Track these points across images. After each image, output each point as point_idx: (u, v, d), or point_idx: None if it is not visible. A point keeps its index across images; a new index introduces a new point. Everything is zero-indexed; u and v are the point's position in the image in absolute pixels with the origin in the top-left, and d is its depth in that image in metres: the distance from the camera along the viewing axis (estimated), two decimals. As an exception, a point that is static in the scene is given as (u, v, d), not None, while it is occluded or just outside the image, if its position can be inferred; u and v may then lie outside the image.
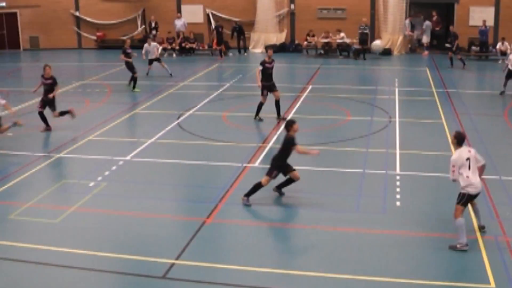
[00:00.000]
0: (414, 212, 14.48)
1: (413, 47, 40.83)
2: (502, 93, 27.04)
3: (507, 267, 11.84)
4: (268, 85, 22.22)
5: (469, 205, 13.19)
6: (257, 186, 14.91)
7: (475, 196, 12.96)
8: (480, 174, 13.10)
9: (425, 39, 39.85)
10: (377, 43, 20.98)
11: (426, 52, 39.47)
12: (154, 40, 34.72)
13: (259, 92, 22.35)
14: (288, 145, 14.90)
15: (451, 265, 12.01)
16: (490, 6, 39.82)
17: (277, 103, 22.44)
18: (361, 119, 22.57)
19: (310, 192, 15.75)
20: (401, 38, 39.65)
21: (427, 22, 39.84)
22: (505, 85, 27.00)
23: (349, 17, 40.02)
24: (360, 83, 30.52)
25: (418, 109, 24.41)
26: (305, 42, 39.14)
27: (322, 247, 12.69)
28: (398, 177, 16.56)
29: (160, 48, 38.26)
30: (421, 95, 27.03)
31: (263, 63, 22.15)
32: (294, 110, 23.72)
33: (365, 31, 37.53)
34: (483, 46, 38.50)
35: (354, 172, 17.00)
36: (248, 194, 14.92)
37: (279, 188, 15.40)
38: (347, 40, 38.14)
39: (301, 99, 25.70)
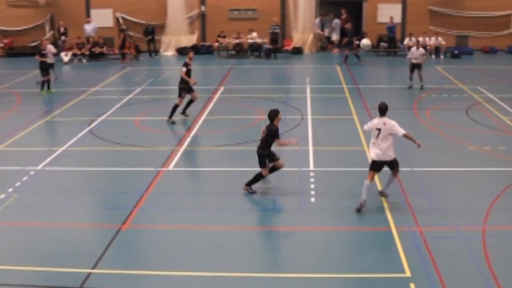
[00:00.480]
0: (329, 208, 14.64)
1: (324, 45, 41.33)
2: (410, 87, 27.71)
3: (421, 255, 12.12)
4: (187, 87, 22.14)
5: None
6: (258, 176, 15.49)
7: (380, 163, 14.50)
8: (411, 140, 14.89)
9: (335, 37, 40.42)
10: (367, 43, 21.89)
11: (336, 50, 40.02)
12: (58, 44, 34.20)
13: (171, 95, 22.21)
14: (272, 136, 15.40)
15: (368, 257, 12.19)
16: (397, 3, 40.74)
17: (190, 103, 22.50)
18: (275, 118, 22.64)
19: (227, 193, 15.73)
20: (311, 37, 40.09)
21: (336, 20, 40.43)
22: (410, 78, 27.74)
23: (260, 17, 40.22)
24: (272, 82, 30.72)
25: (330, 106, 24.72)
26: (216, 44, 39.13)
27: (242, 248, 12.67)
28: (312, 174, 16.73)
29: (70, 54, 37.73)
30: (333, 92, 27.38)
31: (186, 65, 22.06)
32: (207, 111, 23.67)
33: (276, 31, 37.79)
34: (391, 42, 39.32)
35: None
36: (249, 183, 15.47)
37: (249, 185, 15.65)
38: (258, 40, 38.30)
39: (214, 100, 25.68)
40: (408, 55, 28.65)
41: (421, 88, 27.89)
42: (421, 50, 27.97)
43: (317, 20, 40.38)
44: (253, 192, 15.46)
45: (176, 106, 22.13)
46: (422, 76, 28.08)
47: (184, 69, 22.19)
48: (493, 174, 17.04)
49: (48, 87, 28.16)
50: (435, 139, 20.24)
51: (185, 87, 22.16)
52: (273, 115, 15.59)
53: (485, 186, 16.10)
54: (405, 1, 40.76)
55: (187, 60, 22.49)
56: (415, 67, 28.05)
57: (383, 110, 14.85)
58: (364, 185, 14.27)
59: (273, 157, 15.59)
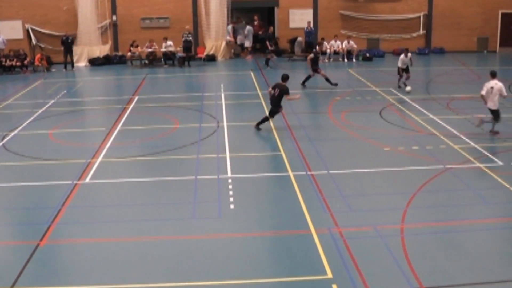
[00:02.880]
0: (249, 213, 14.62)
1: (237, 52, 41.41)
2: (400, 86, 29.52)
3: (342, 256, 12.21)
4: None
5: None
6: (265, 119, 21.85)
7: (492, 110, 20.79)
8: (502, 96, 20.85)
9: (248, 43, 40.54)
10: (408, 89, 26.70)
11: (249, 56, 40.16)
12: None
13: (85, 107, 21.79)
14: (284, 93, 21.42)
15: (289, 261, 12.18)
16: (308, 8, 41.17)
17: None
18: (190, 126, 22.54)
19: (146, 204, 15.53)
20: (224, 43, 40.11)
21: (249, 27, 40.55)
22: (399, 80, 29.66)
23: (173, 25, 40.03)
24: (186, 91, 30.55)
25: (245, 112, 24.73)
26: (129, 53, 38.71)
27: (165, 258, 12.49)
28: (230, 181, 16.67)
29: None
30: (248, 98, 27.42)
31: None
32: (122, 122, 23.32)
33: (189, 39, 37.64)
34: (309, 47, 39.68)
35: (187, 180, 16.92)
36: (258, 124, 21.71)
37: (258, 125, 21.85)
38: (172, 49, 38.08)
39: (128, 110, 25.32)
40: (399, 63, 29.64)
41: (404, 85, 29.08)
42: (409, 55, 29.46)
43: (230, 26, 40.44)
44: (260, 129, 21.56)
45: None
46: (409, 77, 29.63)
47: None
48: (409, 173, 17.34)
49: None
50: (350, 141, 20.50)
51: None
52: (287, 76, 22.11)
53: (401, 186, 16.38)
54: (316, 6, 41.25)
55: None
56: (404, 71, 29.48)
57: (494, 75, 20.87)
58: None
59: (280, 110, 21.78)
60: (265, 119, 21.84)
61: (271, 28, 39.84)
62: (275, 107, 21.73)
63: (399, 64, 29.47)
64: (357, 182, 16.68)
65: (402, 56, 29.37)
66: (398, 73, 29.67)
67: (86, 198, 15.89)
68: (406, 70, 29.41)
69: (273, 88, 21.89)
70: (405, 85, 28.81)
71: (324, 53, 38.71)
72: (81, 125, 22.86)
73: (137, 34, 39.50)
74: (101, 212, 15.03)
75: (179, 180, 16.94)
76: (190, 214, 14.70)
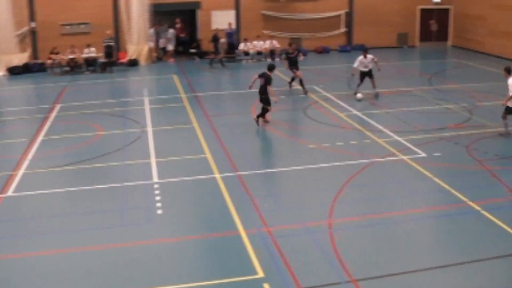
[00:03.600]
0: (177, 218, 14.54)
1: (160, 55, 41.11)
2: (355, 93, 26.64)
3: (272, 255, 12.28)
4: None
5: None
6: (265, 111, 22.31)
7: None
8: None
9: (170, 47, 40.30)
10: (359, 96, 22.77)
11: (172, 60, 39.91)
12: None
13: (5, 118, 21.17)
14: (268, 82, 21.91)
15: (220, 262, 12.18)
16: (230, 9, 41.13)
17: None
18: (114, 133, 22.24)
19: (73, 213, 15.24)
20: (147, 48, 39.76)
21: (171, 30, 40.31)
22: (358, 85, 26.75)
23: (94, 30, 39.38)
24: (109, 97, 30.09)
25: (169, 116, 24.55)
26: (49, 61, 37.96)
27: (94, 268, 12.27)
28: (157, 186, 16.52)
29: None
30: (171, 101, 27.22)
31: None
32: (44, 132, 22.79)
33: (110, 44, 37.16)
34: (231, 48, 39.69)
35: (113, 187, 16.68)
36: (258, 116, 22.25)
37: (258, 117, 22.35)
38: (93, 54, 37.54)
39: (50, 120, 24.78)
40: (356, 64, 26.54)
41: (376, 96, 26.31)
42: (369, 56, 26.14)
43: (151, 30, 40.11)
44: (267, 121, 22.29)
45: None
46: (375, 83, 26.40)
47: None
48: (335, 169, 17.53)
49: None
50: (275, 140, 20.60)
51: None
52: (273, 66, 22.70)
53: (328, 182, 16.54)
54: (238, 7, 41.26)
55: None
56: (365, 75, 26.23)
57: (509, 71, 20.12)
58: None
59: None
60: (265, 110, 22.38)
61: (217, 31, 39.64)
62: (264, 95, 22.28)
63: (360, 67, 26.24)
64: (284, 180, 16.78)
65: (360, 57, 26.36)
66: (360, 77, 26.43)
67: (10, 212, 15.48)
68: (369, 74, 26.27)
69: (260, 76, 22.51)
70: (355, 93, 26.17)
71: (247, 53, 38.79)
72: (1, 137, 22.27)
73: (58, 41, 38.74)
74: (27, 225, 14.66)
75: (106, 188, 16.69)
76: (118, 222, 14.51)
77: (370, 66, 26.28)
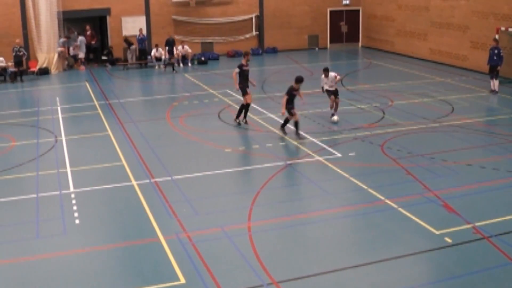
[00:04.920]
0: (95, 227, 14.36)
1: (70, 63, 40.49)
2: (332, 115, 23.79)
3: (192, 260, 12.26)
4: None
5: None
6: (296, 124, 20.88)
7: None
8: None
9: (81, 54, 39.75)
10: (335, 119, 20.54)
11: (82, 67, 39.36)
12: None
13: None
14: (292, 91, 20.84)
15: (141, 270, 12.08)
16: (141, 15, 40.88)
17: None
18: (27, 143, 21.77)
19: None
20: (57, 56, 39.11)
21: (81, 38, 39.76)
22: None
23: (2, 39, 38.51)
24: (21, 106, 29.47)
25: (83, 125, 24.21)
26: (-44, 72, 36.93)
27: (9, 282, 11.98)
28: (73, 195, 16.27)
29: None
30: (85, 110, 26.87)
31: None
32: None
33: (20, 53, 36.41)
34: (143, 54, 39.43)
35: (28, 198, 16.33)
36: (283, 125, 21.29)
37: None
38: (2, 64, 36.68)
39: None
40: (322, 84, 23.78)
41: (332, 116, 23.16)
42: (332, 74, 23.37)
43: (61, 40, 39.46)
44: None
45: None
46: (338, 105, 23.51)
47: None
48: (251, 172, 17.67)
49: None
50: (191, 145, 20.57)
51: None
52: (301, 79, 21.16)
53: (245, 185, 16.66)
54: (148, 12, 41.04)
55: None
56: (331, 94, 23.31)
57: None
58: None
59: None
60: (286, 121, 21.37)
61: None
62: (290, 104, 20.95)
63: (325, 86, 23.54)
64: (201, 186, 16.77)
65: (322, 77, 23.72)
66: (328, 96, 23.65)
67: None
68: (334, 93, 23.36)
69: (291, 92, 21.03)
70: (332, 115, 23.25)
71: (159, 59, 38.62)
72: None
73: (-37, 51, 37.78)
74: None
75: (19, 200, 16.32)
76: (33, 234, 14.21)
77: (335, 85, 23.31)
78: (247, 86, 22.99)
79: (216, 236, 13.44)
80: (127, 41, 39.91)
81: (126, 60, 39.82)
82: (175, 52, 38.46)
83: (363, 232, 13.64)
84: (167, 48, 37.59)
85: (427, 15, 37.29)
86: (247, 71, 23.07)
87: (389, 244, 12.91)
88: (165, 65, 37.69)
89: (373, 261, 12.16)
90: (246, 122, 22.93)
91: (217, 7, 42.28)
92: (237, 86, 23.17)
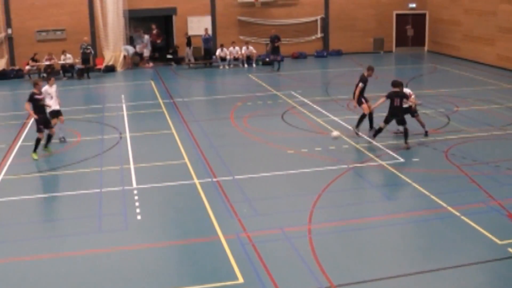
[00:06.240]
0: (156, 224, 14.51)
1: (136, 61, 41.02)
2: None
3: (251, 261, 12.27)
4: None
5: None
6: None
7: None
8: None
9: (146, 52, 40.23)
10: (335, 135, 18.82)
11: (149, 65, 39.84)
12: None
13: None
14: (405, 97, 19.89)
15: (200, 268, 12.16)
16: (206, 15, 41.16)
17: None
18: (92, 139, 22.15)
19: (51, 220, 15.32)
20: (122, 54, 39.66)
21: (147, 36, 40.23)
22: None
23: (70, 37, 39.25)
24: (87, 103, 30.01)
25: (147, 122, 24.50)
26: (27, 67, 37.73)
27: (73, 274, 12.19)
28: (135, 192, 16.47)
29: None
30: (149, 107, 27.18)
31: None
32: (22, 137, 22.69)
33: (87, 50, 37.06)
34: (208, 53, 39.70)
35: (91, 193, 16.61)
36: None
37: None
38: (70, 61, 37.39)
39: (28, 125, 24.63)
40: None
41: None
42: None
43: (129, 37, 40.03)
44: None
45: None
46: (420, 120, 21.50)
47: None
48: (313, 174, 17.57)
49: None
50: (254, 146, 20.61)
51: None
52: (401, 83, 20.10)
53: (306, 187, 16.57)
54: (214, 12, 41.30)
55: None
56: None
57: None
58: None
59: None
60: (406, 132, 19.74)
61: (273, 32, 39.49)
62: (400, 115, 19.79)
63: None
64: (262, 186, 16.79)
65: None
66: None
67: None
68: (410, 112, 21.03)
69: (393, 97, 19.69)
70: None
71: (224, 59, 38.84)
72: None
73: (33, 47, 38.53)
74: (5, 231, 14.54)
75: (83, 194, 16.61)
76: (95, 228, 14.44)
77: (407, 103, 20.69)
78: (363, 97, 21.44)
79: (276, 237, 13.43)
80: (189, 40, 40.19)
81: (188, 59, 40.10)
82: (239, 52, 38.67)
83: (424, 239, 13.45)
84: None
85: (494, 20, 36.56)
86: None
87: (450, 252, 12.69)
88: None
89: (432, 269, 11.97)
90: (356, 133, 21.37)
91: (282, 8, 42.28)
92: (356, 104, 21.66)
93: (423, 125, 21.26)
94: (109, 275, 12.07)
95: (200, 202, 15.53)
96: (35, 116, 19.80)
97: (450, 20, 41.23)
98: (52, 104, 21.16)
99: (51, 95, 21.52)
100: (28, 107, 19.85)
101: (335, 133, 20.19)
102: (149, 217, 14.82)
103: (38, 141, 19.94)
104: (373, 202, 15.55)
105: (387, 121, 20.00)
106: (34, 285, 11.85)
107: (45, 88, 21.47)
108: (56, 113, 21.45)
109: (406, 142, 19.83)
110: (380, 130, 20.30)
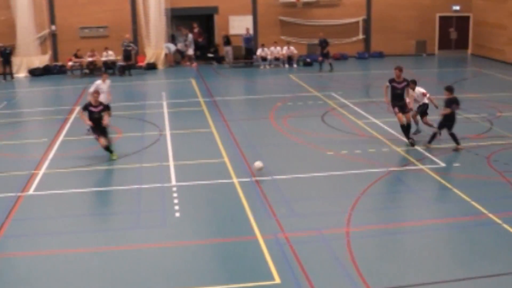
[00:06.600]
0: (194, 221, 14.56)
1: (177, 59, 41.24)
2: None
3: (288, 261, 12.23)
4: None
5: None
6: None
7: None
8: None
9: (190, 51, 40.41)
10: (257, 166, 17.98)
11: (194, 64, 40.02)
12: None
13: (26, 118, 21.32)
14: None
15: (237, 267, 12.17)
16: (248, 14, 41.22)
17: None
18: (132, 135, 22.34)
19: (90, 214, 15.48)
20: (164, 52, 39.91)
21: (191, 35, 40.38)
22: None
23: (112, 34, 39.63)
24: (128, 99, 30.19)
25: (187, 120, 24.61)
26: (70, 63, 38.17)
27: (111, 269, 12.34)
28: (174, 189, 16.56)
29: None
30: (189, 105, 27.32)
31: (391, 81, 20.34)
32: (64, 132, 22.97)
33: (129, 48, 37.36)
34: (249, 53, 39.77)
35: (130, 189, 16.74)
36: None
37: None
38: (112, 58, 37.75)
39: (70, 121, 24.94)
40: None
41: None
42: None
43: (171, 35, 40.28)
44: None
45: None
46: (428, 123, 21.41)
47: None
48: (352, 177, 17.49)
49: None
50: (293, 146, 20.57)
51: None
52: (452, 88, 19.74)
53: (345, 189, 16.49)
54: (255, 12, 41.34)
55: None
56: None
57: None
58: None
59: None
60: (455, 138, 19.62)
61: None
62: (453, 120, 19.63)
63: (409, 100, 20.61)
64: (301, 187, 16.75)
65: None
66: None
67: (30, 210, 15.61)
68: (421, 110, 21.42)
69: (452, 104, 19.40)
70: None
71: (264, 59, 38.87)
72: (22, 137, 22.52)
73: (76, 44, 38.96)
74: (45, 224, 14.77)
75: (123, 190, 16.75)
76: (134, 224, 14.55)
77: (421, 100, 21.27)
78: (397, 105, 20.31)
79: (314, 238, 13.38)
80: (227, 39, 40.27)
81: (228, 59, 40.17)
82: (280, 52, 38.70)
83: (463, 245, 13.25)
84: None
85: (541, 24, 36.09)
86: (398, 89, 20.29)
87: (490, 260, 12.46)
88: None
89: (470, 277, 11.78)
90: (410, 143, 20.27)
91: (324, 9, 42.16)
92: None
93: (431, 126, 20.96)
94: (145, 271, 12.12)
95: (238, 201, 15.55)
96: (90, 123, 19.54)
97: (495, 23, 40.68)
98: (102, 99, 21.23)
99: (103, 90, 22.09)
100: (83, 115, 19.72)
101: (258, 164, 17.58)
102: (187, 214, 14.88)
103: (105, 148, 19.45)
104: (412, 206, 15.40)
105: (441, 127, 19.80)
106: (75, 277, 11.97)
107: (98, 83, 22.43)
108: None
109: (458, 144, 19.71)
110: (435, 135, 20.05)
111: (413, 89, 20.98)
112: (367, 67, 39.39)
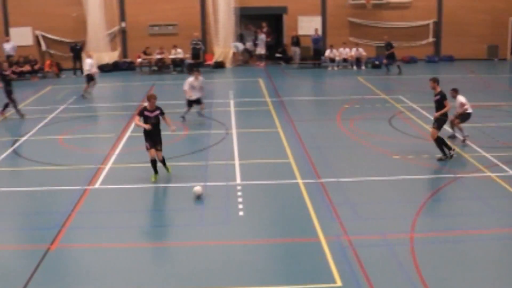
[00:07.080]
0: (258, 220, 14.61)
1: (245, 59, 41.43)
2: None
3: (351, 264, 12.16)
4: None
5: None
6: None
7: None
8: None
9: (262, 51, 40.55)
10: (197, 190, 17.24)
11: (262, 63, 40.15)
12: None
13: (95, 113, 21.75)
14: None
15: (298, 268, 12.15)
16: (317, 15, 41.15)
17: None
18: (199, 133, 22.56)
19: (155, 209, 15.80)
20: (232, 51, 40.13)
21: (262, 35, 40.48)
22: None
23: (181, 32, 40.06)
24: (195, 97, 30.47)
25: (254, 119, 24.72)
26: (139, 60, 38.73)
27: (173, 264, 12.49)
28: (239, 187, 16.64)
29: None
30: (256, 105, 27.43)
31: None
32: (131, 128, 23.30)
33: (198, 46, 37.70)
34: (317, 54, 39.70)
35: (196, 186, 16.85)
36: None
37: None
38: (180, 55, 38.14)
39: (138, 116, 25.30)
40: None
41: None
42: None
43: (240, 34, 40.51)
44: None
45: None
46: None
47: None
48: (418, 182, 17.29)
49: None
50: (359, 149, 20.45)
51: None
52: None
53: (411, 194, 16.30)
54: (324, 13, 41.24)
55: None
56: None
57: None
58: None
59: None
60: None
61: None
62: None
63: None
64: (366, 190, 16.63)
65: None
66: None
67: (95, 204, 15.92)
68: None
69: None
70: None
71: (333, 60, 38.73)
72: (91, 131, 22.93)
73: (145, 41, 39.54)
74: (110, 217, 15.05)
75: (188, 186, 16.88)
76: (198, 221, 14.67)
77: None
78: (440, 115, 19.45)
79: (377, 242, 13.28)
80: (296, 39, 40.24)
81: (303, 58, 40.16)
82: (349, 53, 38.52)
83: (531, 256, 13.00)
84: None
85: None
86: (437, 100, 19.52)
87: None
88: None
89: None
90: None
91: (394, 11, 41.73)
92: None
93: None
94: (205, 268, 12.21)
95: (302, 202, 15.53)
96: (145, 126, 17.58)
97: None
98: (194, 94, 23.47)
99: (194, 87, 23.71)
100: (138, 121, 18.00)
101: (198, 189, 16.24)
102: (251, 213, 14.94)
103: (152, 162, 17.69)
104: (479, 214, 15.11)
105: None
106: (135, 271, 12.14)
107: (190, 80, 23.81)
108: (196, 101, 23.84)
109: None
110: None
111: (454, 97, 21.08)
112: (436, 71, 38.75)
